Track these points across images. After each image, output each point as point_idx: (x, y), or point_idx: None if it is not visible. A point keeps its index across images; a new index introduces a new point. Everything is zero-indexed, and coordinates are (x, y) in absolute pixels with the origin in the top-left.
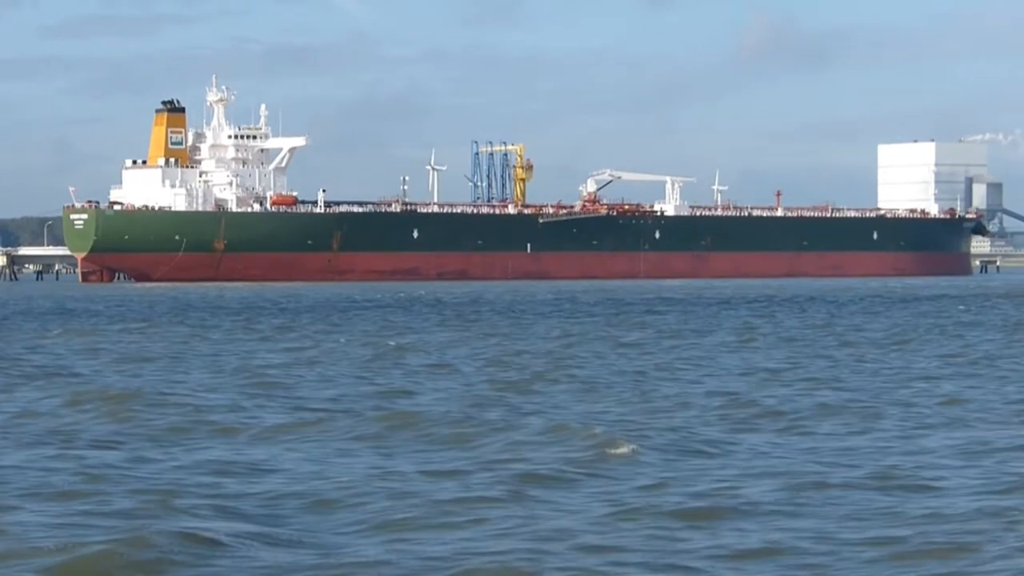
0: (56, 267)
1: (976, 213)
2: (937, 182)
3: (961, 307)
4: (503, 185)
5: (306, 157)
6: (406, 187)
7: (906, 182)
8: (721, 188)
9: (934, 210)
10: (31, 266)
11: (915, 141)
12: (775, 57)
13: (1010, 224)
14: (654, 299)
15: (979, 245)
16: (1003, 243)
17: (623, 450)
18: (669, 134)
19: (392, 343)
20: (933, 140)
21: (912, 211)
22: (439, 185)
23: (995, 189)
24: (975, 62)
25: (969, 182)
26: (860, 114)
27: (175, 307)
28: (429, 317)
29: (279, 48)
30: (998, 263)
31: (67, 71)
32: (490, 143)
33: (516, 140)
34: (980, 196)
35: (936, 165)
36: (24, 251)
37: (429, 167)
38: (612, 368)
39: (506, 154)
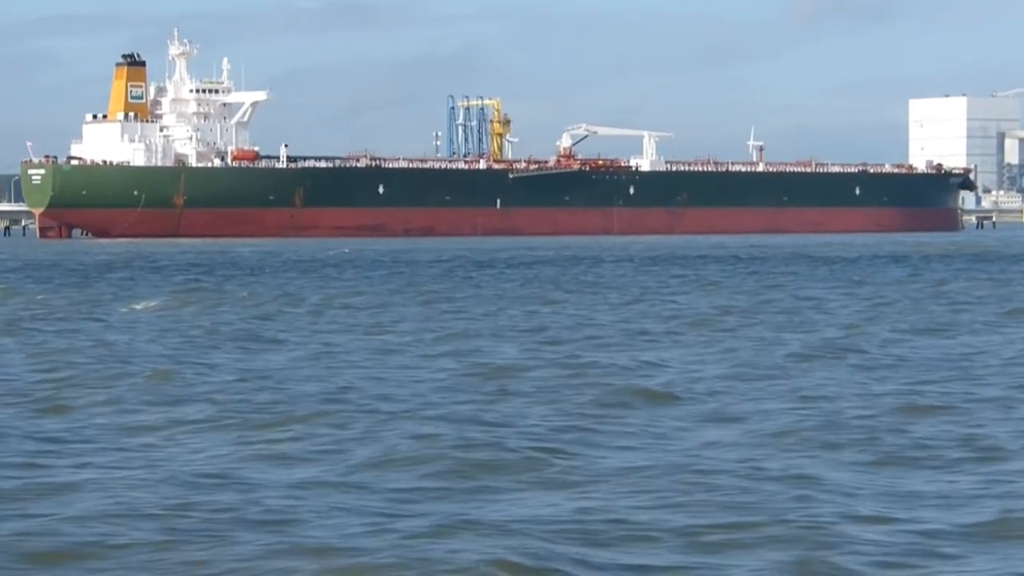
0: (23, 223)
1: (963, 169)
2: (969, 137)
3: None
4: (480, 140)
5: (355, 114)
6: (439, 143)
7: (937, 137)
8: (756, 144)
9: (922, 165)
10: None
11: (946, 96)
12: (828, 15)
13: None
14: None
15: (1011, 200)
16: None
17: None
18: (722, 92)
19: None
20: (965, 95)
21: (899, 166)
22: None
23: None
24: None
25: (1001, 137)
26: (912, 72)
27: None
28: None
29: (334, 5)
30: (994, 219)
31: (120, 28)
32: (466, 97)
33: (564, 98)
34: (1012, 151)
35: (968, 120)
36: None
37: (458, 124)
38: None
39: (483, 109)
